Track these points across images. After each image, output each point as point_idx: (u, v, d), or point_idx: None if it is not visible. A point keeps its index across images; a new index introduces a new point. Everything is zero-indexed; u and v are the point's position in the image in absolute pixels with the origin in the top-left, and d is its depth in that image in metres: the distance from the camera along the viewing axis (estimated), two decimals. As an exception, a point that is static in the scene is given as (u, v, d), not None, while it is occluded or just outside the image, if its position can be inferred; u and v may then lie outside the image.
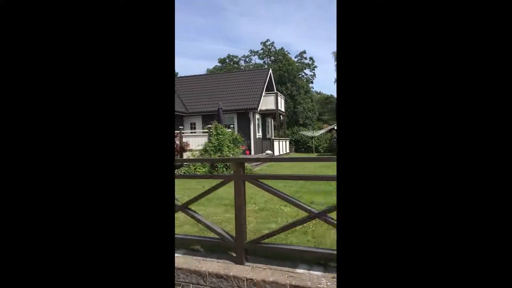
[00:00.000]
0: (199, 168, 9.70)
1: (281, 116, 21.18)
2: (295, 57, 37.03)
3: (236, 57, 40.26)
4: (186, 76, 22.63)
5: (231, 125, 11.63)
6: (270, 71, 20.96)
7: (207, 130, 10.78)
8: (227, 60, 40.65)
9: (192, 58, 65.01)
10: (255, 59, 39.62)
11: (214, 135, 10.37)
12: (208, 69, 41.52)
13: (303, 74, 37.36)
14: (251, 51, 39.54)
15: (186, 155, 10.64)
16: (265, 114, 19.89)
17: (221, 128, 10.58)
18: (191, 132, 12.06)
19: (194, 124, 18.49)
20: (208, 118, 17.80)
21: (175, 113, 16.52)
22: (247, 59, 39.77)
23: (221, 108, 13.58)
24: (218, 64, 40.89)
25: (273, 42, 37.90)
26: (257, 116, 18.32)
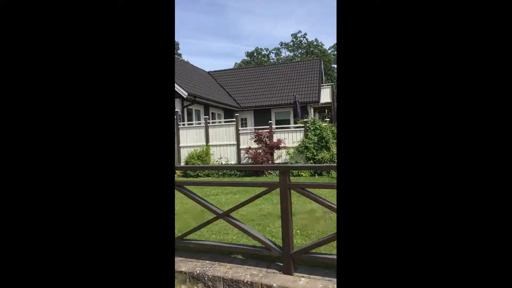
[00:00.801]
0: (303, 173, 8.59)
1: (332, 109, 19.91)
2: (328, 49, 35.62)
3: (267, 49, 38.93)
4: (230, 69, 21.51)
5: (327, 119, 10.43)
6: (321, 62, 19.69)
7: (302, 125, 9.62)
8: (255, 54, 39.43)
9: (195, 56, 63.06)
10: (285, 52, 38.33)
11: (312, 130, 9.22)
12: (236, 63, 40.42)
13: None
14: (281, 44, 38.25)
15: (278, 154, 9.55)
16: (315, 108, 18.64)
17: (318, 123, 9.42)
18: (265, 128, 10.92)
19: (246, 119, 17.34)
20: (260, 113, 16.68)
21: (226, 107, 15.46)
22: (277, 52, 38.44)
23: (298, 101, 12.42)
24: (246, 58, 39.71)
25: (305, 34, 36.55)
26: (312, 110, 17.10)
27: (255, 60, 38.22)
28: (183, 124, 10.95)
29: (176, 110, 10.89)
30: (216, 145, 10.23)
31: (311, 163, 8.81)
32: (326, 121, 10.16)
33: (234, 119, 10.22)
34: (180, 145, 10.53)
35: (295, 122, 12.16)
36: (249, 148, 9.67)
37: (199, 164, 9.55)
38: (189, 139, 10.54)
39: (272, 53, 38.52)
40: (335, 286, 2.30)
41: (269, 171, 8.97)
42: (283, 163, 9.25)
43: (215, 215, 2.91)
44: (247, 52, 39.86)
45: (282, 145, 9.39)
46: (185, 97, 11.13)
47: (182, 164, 10.31)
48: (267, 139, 9.43)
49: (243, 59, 39.83)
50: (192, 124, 11.21)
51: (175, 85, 11.16)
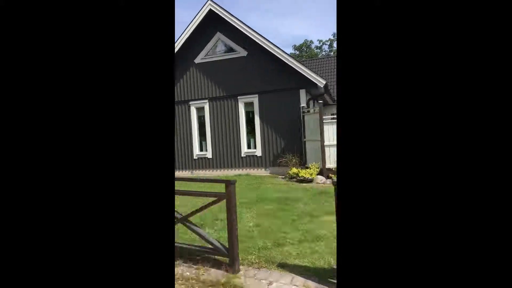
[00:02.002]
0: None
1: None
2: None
3: (321, 41, 36.77)
4: (318, 58, 19.69)
5: None
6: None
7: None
8: (303, 48, 37.40)
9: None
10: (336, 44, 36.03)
11: None
12: (283, 57, 38.45)
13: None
14: (334, 35, 36.00)
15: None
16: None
17: None
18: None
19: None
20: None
21: (322, 98, 13.63)
22: (330, 43, 36.23)
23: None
24: (293, 52, 37.76)
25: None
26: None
27: (305, 53, 36.18)
28: (332, 119, 9.21)
29: (320, 101, 9.17)
30: (374, 143, 8.43)
31: None
32: None
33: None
34: (325, 143, 8.79)
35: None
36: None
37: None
38: (336, 136, 8.79)
39: (325, 44, 36.36)
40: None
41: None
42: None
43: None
44: (295, 46, 37.90)
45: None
46: (322, 86, 9.39)
47: (331, 166, 8.58)
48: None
49: (290, 53, 37.87)
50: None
51: (309, 72, 9.44)
